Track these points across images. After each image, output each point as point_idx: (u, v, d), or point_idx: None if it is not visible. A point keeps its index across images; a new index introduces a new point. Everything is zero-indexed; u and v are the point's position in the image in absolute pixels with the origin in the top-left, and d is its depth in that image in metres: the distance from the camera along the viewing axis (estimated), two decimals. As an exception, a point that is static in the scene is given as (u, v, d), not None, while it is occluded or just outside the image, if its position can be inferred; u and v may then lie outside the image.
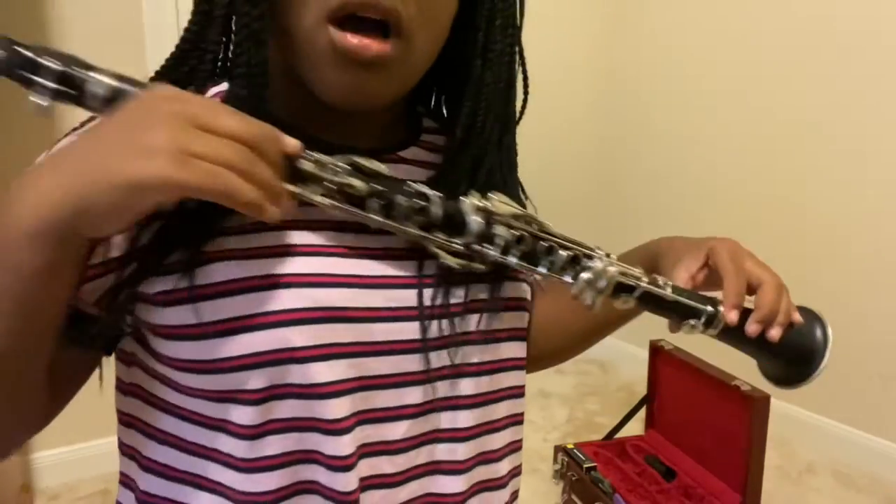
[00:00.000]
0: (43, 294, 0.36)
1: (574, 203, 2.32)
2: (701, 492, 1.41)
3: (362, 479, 0.43)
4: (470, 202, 0.43)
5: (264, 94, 0.41)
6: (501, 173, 0.49)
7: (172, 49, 0.47)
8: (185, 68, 0.44)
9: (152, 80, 0.45)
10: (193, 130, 0.34)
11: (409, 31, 0.40)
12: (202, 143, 0.33)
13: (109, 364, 0.56)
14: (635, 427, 1.65)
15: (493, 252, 0.44)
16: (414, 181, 0.42)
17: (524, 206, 0.51)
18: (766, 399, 1.32)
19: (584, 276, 0.47)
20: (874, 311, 1.63)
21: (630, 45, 2.20)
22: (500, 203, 0.44)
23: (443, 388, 0.45)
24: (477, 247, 0.43)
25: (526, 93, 0.53)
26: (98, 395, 1.62)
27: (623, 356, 2.31)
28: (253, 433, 0.41)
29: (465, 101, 0.46)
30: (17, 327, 0.36)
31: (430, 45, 0.44)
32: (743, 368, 1.97)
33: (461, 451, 0.47)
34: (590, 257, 0.47)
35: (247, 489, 0.42)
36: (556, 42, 2.16)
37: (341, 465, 0.42)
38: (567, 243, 0.47)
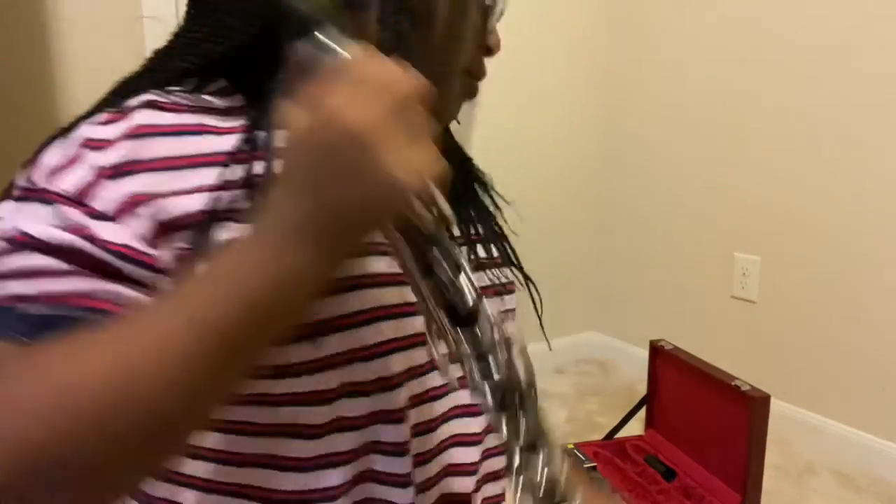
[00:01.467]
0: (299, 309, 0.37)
1: (573, 215, 2.32)
2: (701, 492, 1.41)
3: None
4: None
5: None
6: None
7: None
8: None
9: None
10: (411, 116, 0.35)
11: None
12: (419, 134, 0.35)
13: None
14: (635, 427, 1.65)
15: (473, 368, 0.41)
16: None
17: None
18: (766, 399, 1.32)
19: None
20: (874, 312, 1.63)
21: (629, 60, 2.20)
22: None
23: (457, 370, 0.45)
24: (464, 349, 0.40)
25: None
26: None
27: (623, 356, 2.31)
28: (321, 432, 0.43)
29: None
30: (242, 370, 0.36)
31: None
32: (743, 368, 1.97)
33: (475, 425, 0.51)
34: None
35: (311, 486, 0.43)
36: (555, 58, 2.16)
37: (401, 450, 0.45)
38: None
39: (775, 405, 1.37)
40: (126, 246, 0.38)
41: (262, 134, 0.41)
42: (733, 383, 1.38)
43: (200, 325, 0.33)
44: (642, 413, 1.65)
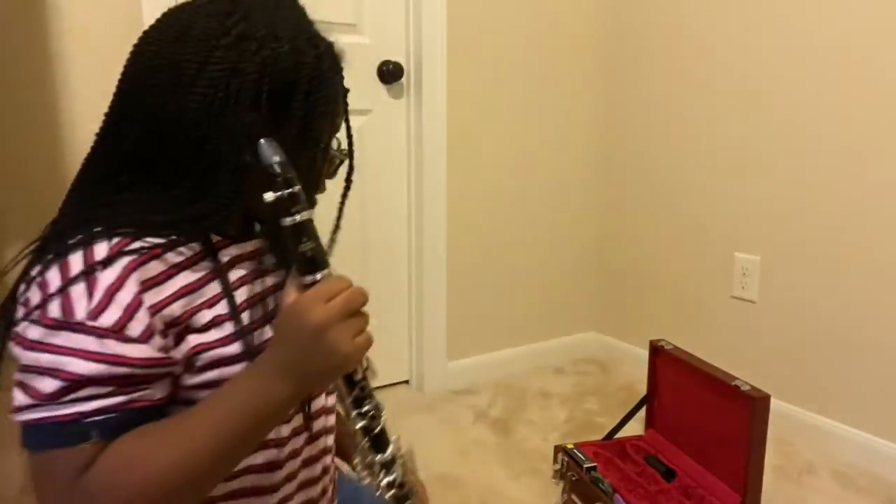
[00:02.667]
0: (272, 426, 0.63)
1: (573, 216, 2.32)
2: (701, 492, 1.41)
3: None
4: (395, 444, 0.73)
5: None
6: None
7: None
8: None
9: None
10: (350, 321, 0.60)
11: None
12: (356, 326, 0.60)
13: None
14: (635, 427, 1.65)
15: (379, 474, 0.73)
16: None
17: None
18: (766, 399, 1.32)
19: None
20: (874, 312, 1.63)
21: (630, 60, 2.20)
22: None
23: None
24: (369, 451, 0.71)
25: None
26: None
27: (623, 356, 2.31)
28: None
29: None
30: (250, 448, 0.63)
31: None
32: (743, 368, 1.97)
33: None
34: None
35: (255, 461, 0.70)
36: (555, 58, 2.16)
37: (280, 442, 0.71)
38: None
39: (775, 405, 1.37)
40: (151, 359, 0.57)
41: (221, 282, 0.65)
42: (733, 383, 1.38)
43: (220, 431, 0.57)
44: (642, 413, 1.65)
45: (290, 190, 0.60)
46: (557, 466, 1.52)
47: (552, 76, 2.17)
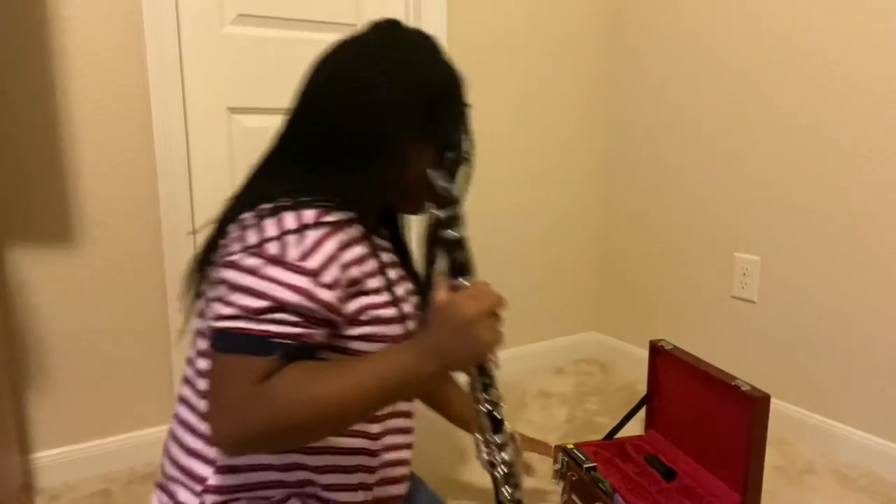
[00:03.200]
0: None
1: (573, 216, 2.32)
2: (701, 492, 1.41)
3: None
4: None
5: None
6: None
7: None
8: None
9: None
10: (491, 318, 0.74)
11: None
12: (495, 324, 0.74)
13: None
14: (635, 427, 1.65)
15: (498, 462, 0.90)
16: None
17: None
18: (766, 399, 1.32)
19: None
20: (874, 312, 1.63)
21: (630, 59, 2.20)
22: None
23: None
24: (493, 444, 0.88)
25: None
26: (98, 396, 1.64)
27: (623, 356, 2.31)
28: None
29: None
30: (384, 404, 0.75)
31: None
32: (743, 368, 1.97)
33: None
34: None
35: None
36: (555, 56, 2.16)
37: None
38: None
39: (775, 405, 1.37)
40: (332, 304, 0.74)
41: (388, 256, 0.88)
42: (733, 383, 1.38)
43: (370, 383, 0.69)
44: (642, 413, 1.65)
45: (457, 211, 0.79)
46: (557, 466, 1.52)
47: (551, 77, 2.17)
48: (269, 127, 1.78)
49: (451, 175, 0.79)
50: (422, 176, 0.81)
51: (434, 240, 0.81)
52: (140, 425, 1.64)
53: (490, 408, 0.84)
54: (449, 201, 0.78)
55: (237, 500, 0.80)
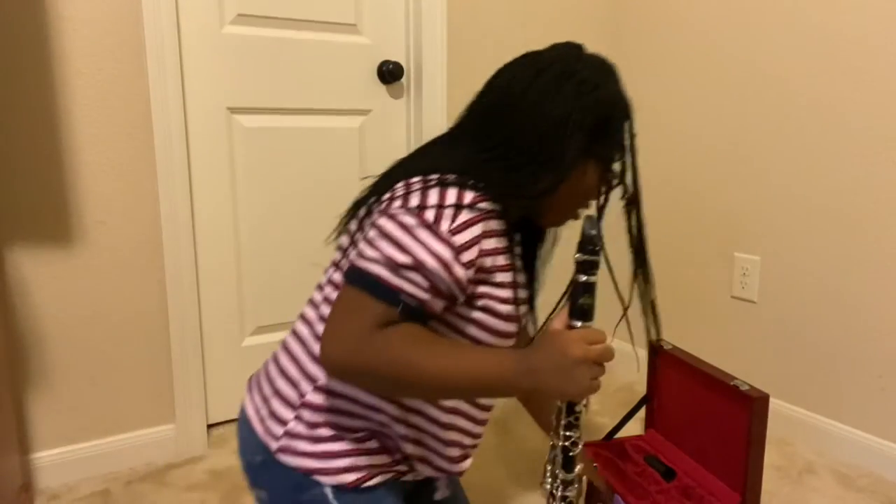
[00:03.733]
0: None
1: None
2: (701, 492, 1.41)
3: None
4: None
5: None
6: None
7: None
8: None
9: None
10: (595, 367, 0.78)
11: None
12: (597, 373, 0.78)
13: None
14: (635, 427, 1.65)
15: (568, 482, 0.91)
16: None
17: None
18: (765, 399, 1.32)
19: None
20: (874, 312, 1.63)
21: (631, 59, 2.20)
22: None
23: None
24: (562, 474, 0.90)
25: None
26: (98, 396, 1.64)
27: (623, 356, 2.31)
28: None
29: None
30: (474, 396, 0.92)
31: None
32: (743, 368, 1.97)
33: None
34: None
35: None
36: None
37: None
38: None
39: (775, 405, 1.37)
40: (462, 281, 0.81)
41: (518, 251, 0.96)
42: (733, 383, 1.38)
43: (467, 373, 0.77)
44: (642, 413, 1.65)
45: (596, 258, 0.84)
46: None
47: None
48: (269, 127, 1.78)
49: (597, 222, 0.86)
50: (574, 195, 0.93)
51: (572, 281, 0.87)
52: (140, 425, 1.64)
53: (568, 445, 0.87)
54: (590, 246, 0.84)
55: (326, 421, 0.89)
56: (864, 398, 1.67)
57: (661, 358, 1.61)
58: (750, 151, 1.87)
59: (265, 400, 0.93)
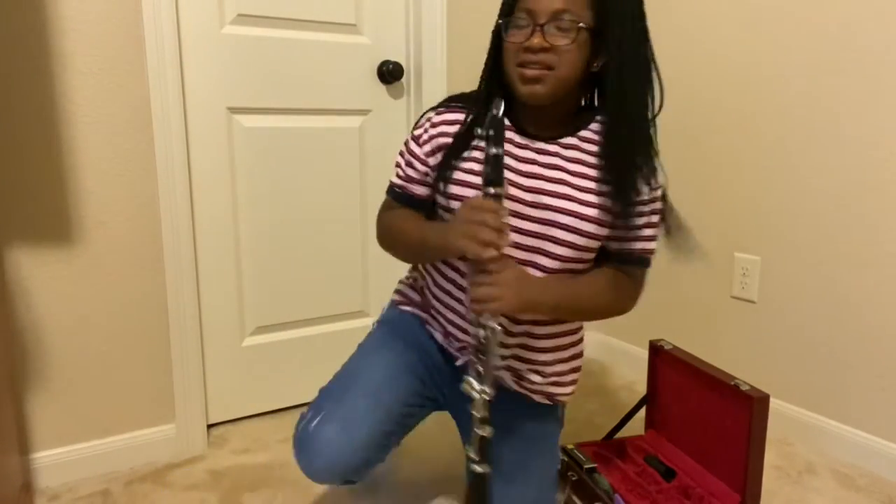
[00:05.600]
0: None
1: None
2: (700, 492, 1.41)
3: None
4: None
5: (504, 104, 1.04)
6: (642, 156, 1.16)
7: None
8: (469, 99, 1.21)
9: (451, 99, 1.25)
10: (475, 226, 0.98)
11: (552, 67, 1.04)
12: (476, 232, 0.98)
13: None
14: (635, 427, 1.65)
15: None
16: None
17: (663, 183, 1.24)
18: (765, 399, 1.32)
19: None
20: (874, 312, 1.63)
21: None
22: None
23: None
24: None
25: (662, 93, 1.17)
26: (98, 396, 1.64)
27: (623, 356, 2.31)
28: None
29: (608, 106, 1.11)
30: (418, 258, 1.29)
31: (568, 73, 1.05)
32: (743, 368, 1.97)
33: None
34: None
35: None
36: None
37: None
38: None
39: (775, 405, 1.37)
40: (420, 155, 1.19)
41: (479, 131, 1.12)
42: (733, 383, 1.38)
43: (417, 236, 1.16)
44: (642, 413, 1.65)
45: (500, 133, 0.99)
46: (557, 466, 1.52)
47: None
48: (269, 127, 1.78)
49: (499, 102, 1.00)
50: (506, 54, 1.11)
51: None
52: (140, 425, 1.64)
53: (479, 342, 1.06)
54: (494, 123, 0.98)
55: (408, 277, 1.39)
56: (865, 398, 1.67)
57: (661, 358, 1.61)
58: (750, 151, 1.87)
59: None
